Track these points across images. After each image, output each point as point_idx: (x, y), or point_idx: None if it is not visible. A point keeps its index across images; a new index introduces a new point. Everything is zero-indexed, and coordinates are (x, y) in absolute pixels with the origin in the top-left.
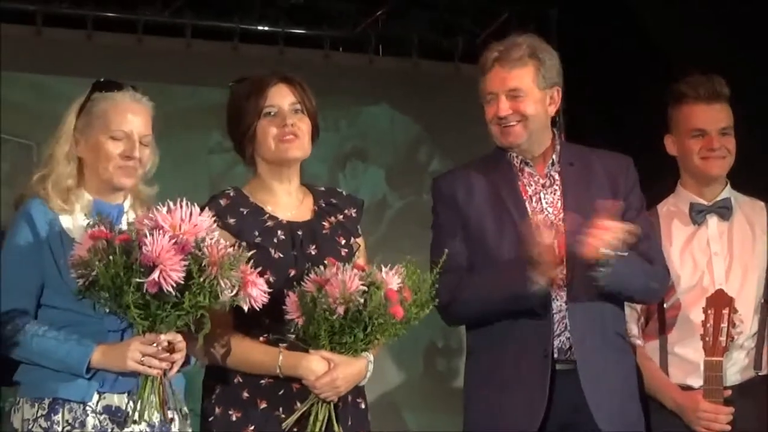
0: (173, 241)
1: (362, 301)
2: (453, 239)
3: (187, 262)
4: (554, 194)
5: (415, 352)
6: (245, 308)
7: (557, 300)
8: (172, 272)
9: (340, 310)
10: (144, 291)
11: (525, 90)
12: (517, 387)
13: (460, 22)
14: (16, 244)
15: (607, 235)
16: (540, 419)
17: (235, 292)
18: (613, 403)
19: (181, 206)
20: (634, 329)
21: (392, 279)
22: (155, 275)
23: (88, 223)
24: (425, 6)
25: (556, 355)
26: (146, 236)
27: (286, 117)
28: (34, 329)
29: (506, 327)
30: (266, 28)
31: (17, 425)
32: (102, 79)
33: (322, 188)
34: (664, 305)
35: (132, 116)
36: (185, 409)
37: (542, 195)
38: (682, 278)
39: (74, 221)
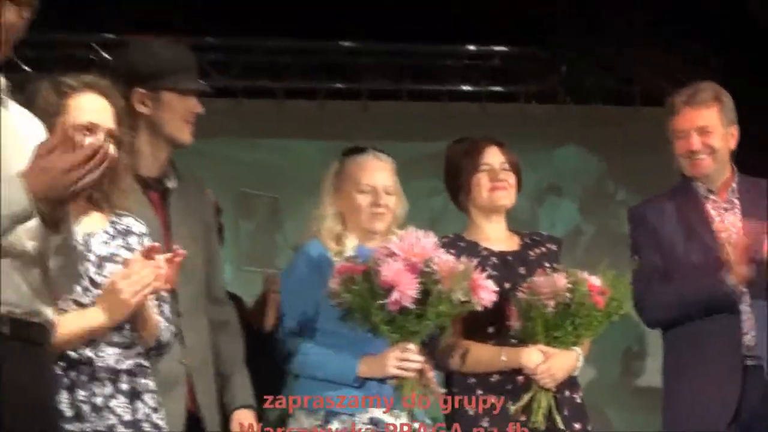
0: (405, 263)
1: (569, 296)
2: (648, 253)
3: (420, 280)
4: (735, 215)
5: (614, 357)
6: (479, 309)
7: (744, 302)
8: (408, 290)
9: (551, 304)
10: (388, 310)
11: (712, 127)
12: (711, 383)
13: (637, 70)
14: (294, 276)
15: None
16: (732, 413)
17: (467, 298)
18: None
19: (410, 234)
20: None
21: (590, 277)
22: (394, 296)
23: (344, 258)
24: (605, 59)
25: (745, 353)
26: (381, 264)
27: (498, 173)
28: (309, 347)
29: (699, 327)
30: (470, 88)
31: None
32: (350, 147)
33: (526, 231)
34: None
35: (375, 172)
36: (428, 420)
37: (725, 217)
38: None
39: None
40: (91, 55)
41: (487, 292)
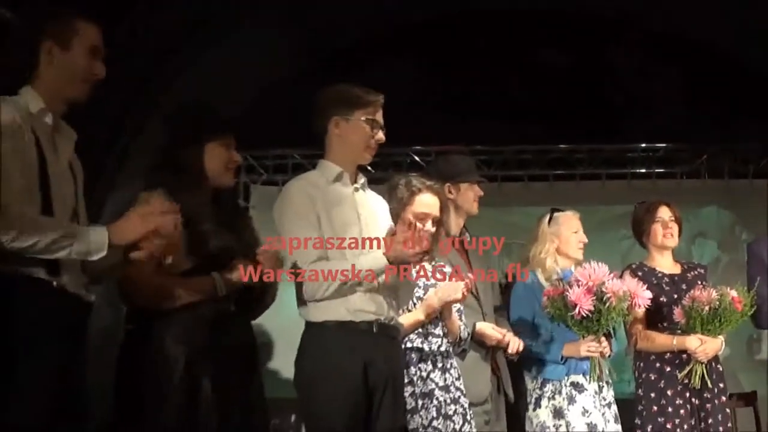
0: (585, 288)
1: (718, 303)
2: (760, 278)
3: (594, 298)
4: None
5: (742, 341)
6: (640, 311)
7: None
8: (585, 306)
9: (706, 308)
10: (575, 318)
11: None
12: None
13: (751, 157)
14: (517, 293)
15: None
16: None
17: (627, 309)
18: None
19: (589, 265)
20: None
21: (731, 291)
22: (576, 310)
23: (552, 281)
24: (732, 145)
25: None
26: (569, 288)
27: (667, 224)
28: (529, 340)
29: None
30: (644, 170)
31: (525, 391)
32: (553, 207)
33: (684, 260)
34: None
35: (574, 222)
36: (609, 380)
37: None
38: None
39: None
40: (408, 160)
41: (641, 299)
